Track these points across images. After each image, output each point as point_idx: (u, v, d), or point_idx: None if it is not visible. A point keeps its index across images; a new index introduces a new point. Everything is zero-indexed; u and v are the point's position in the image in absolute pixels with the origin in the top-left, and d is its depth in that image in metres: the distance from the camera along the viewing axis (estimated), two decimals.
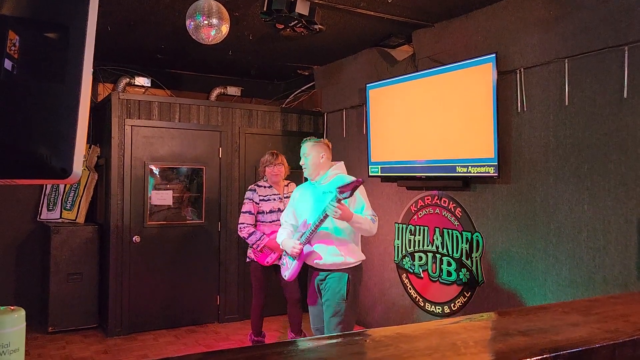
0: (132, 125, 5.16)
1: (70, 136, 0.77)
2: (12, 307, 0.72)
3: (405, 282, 4.81)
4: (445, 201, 4.40)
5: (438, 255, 4.44)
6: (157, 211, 5.32)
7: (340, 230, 3.25)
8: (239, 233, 4.28)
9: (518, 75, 3.76)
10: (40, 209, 5.61)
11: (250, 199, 4.26)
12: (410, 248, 4.75)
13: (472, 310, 4.09)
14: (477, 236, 4.09)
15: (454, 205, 4.31)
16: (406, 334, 1.17)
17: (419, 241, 4.65)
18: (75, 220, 5.50)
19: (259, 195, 4.26)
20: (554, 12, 3.52)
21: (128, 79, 5.74)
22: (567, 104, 3.44)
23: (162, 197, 5.33)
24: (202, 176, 5.51)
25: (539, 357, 0.99)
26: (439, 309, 4.45)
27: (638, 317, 1.30)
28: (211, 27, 3.38)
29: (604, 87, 3.24)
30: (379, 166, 4.95)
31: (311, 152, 3.38)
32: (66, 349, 4.65)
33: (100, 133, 5.56)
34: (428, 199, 4.58)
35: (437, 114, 4.32)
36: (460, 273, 4.23)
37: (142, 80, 5.81)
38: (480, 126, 3.92)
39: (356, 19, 4.24)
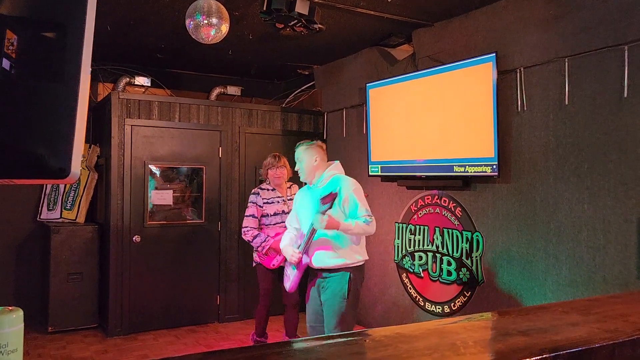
0: (132, 125, 5.16)
1: (68, 136, 0.77)
2: (10, 308, 0.72)
3: (405, 281, 4.81)
4: (445, 201, 4.40)
5: (438, 255, 4.44)
6: (157, 211, 5.32)
7: (338, 235, 3.23)
8: (243, 237, 4.27)
9: (518, 74, 3.76)
10: (40, 208, 5.61)
11: (254, 203, 4.25)
12: (410, 247, 4.75)
13: (472, 310, 4.09)
14: (477, 236, 4.09)
15: (454, 204, 4.31)
16: (405, 333, 1.17)
17: (419, 241, 4.65)
18: (75, 220, 5.50)
19: (263, 199, 4.25)
20: (553, 11, 3.52)
21: (128, 79, 5.74)
22: (567, 103, 3.44)
23: (162, 197, 5.33)
24: (202, 176, 5.51)
25: (538, 357, 0.99)
26: (439, 308, 4.45)
27: (638, 316, 1.30)
28: (211, 26, 3.38)
29: (604, 87, 3.24)
30: (379, 166, 4.95)
31: (304, 157, 3.38)
32: (66, 349, 4.65)
33: (100, 133, 5.56)
34: (428, 198, 4.58)
35: (437, 113, 4.32)
36: (460, 272, 4.23)
37: (142, 80, 5.81)
38: (480, 126, 3.92)
39: (356, 18, 4.24)
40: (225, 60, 5.62)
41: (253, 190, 4.38)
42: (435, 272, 4.47)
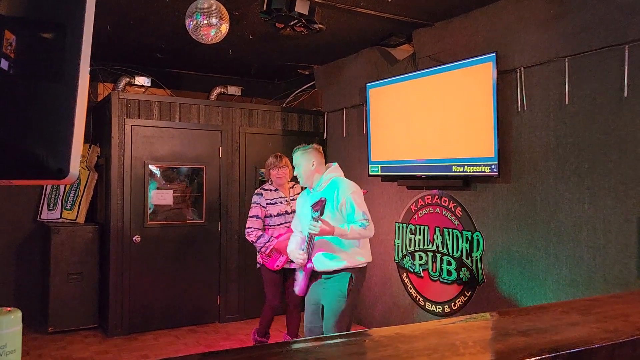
0: (132, 125, 5.16)
1: (67, 136, 0.77)
2: (8, 309, 0.72)
3: (405, 281, 4.81)
4: (445, 200, 4.40)
5: (438, 255, 4.44)
6: (157, 211, 5.32)
7: (339, 237, 3.23)
8: (247, 237, 4.26)
9: (518, 74, 3.75)
10: (40, 208, 5.61)
11: (257, 203, 4.25)
12: (410, 247, 4.75)
13: (473, 310, 4.08)
14: (477, 235, 4.09)
15: (454, 204, 4.30)
16: (405, 334, 1.17)
17: (419, 240, 4.65)
18: (75, 220, 5.50)
19: (266, 199, 4.24)
20: (554, 11, 3.52)
21: (128, 79, 5.74)
22: (567, 103, 3.44)
23: (163, 197, 5.33)
24: (203, 176, 5.51)
25: (538, 358, 0.98)
26: (439, 308, 4.44)
27: (638, 316, 1.30)
28: (211, 26, 3.38)
29: (604, 86, 3.24)
30: (379, 165, 4.95)
31: (301, 162, 3.39)
32: (66, 349, 4.65)
33: (100, 133, 5.56)
34: (428, 198, 4.58)
35: (438, 113, 4.32)
36: (460, 272, 4.23)
37: (142, 80, 5.81)
38: (481, 126, 3.92)
39: (356, 18, 4.24)
40: (226, 60, 5.62)
41: (256, 191, 4.37)
42: (435, 272, 4.47)
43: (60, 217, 5.54)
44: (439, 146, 4.30)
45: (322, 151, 3.50)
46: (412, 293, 4.72)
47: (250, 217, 4.25)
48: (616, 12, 3.16)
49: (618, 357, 1.08)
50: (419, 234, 4.65)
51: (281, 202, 4.26)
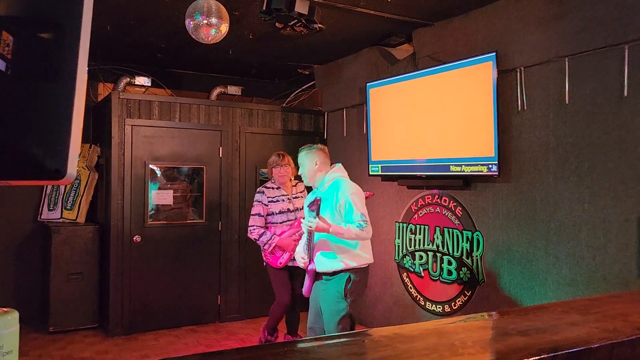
0: (132, 125, 5.16)
1: (65, 137, 0.77)
2: (5, 309, 0.72)
3: (405, 281, 4.81)
4: (445, 200, 4.40)
5: (438, 254, 4.44)
6: (157, 211, 5.32)
7: (339, 238, 3.24)
8: (249, 235, 4.26)
9: (518, 74, 3.75)
10: (40, 209, 5.61)
11: (259, 201, 4.25)
12: (410, 247, 4.75)
13: (473, 309, 4.08)
14: (477, 235, 4.09)
15: (455, 204, 4.30)
16: (404, 334, 1.17)
17: (419, 240, 4.65)
18: (75, 220, 5.51)
19: (268, 197, 4.25)
20: (554, 10, 3.51)
21: (128, 79, 5.74)
22: (567, 102, 3.44)
23: (163, 197, 5.33)
24: (203, 176, 5.51)
25: (537, 357, 0.98)
26: (439, 307, 4.44)
27: (637, 316, 1.30)
28: (210, 26, 3.38)
29: (604, 86, 3.24)
30: (380, 165, 4.94)
31: (305, 161, 3.43)
32: (67, 349, 4.65)
33: (100, 133, 5.56)
34: (428, 198, 4.58)
35: (438, 113, 4.31)
36: (460, 272, 4.22)
37: (143, 80, 5.80)
38: (481, 125, 3.92)
39: (356, 18, 4.23)
40: (226, 60, 5.61)
41: (258, 189, 4.38)
42: (435, 272, 4.47)
43: (61, 217, 5.54)
44: (439, 146, 4.30)
45: (327, 151, 3.52)
46: (413, 293, 4.72)
47: (253, 215, 4.26)
48: (616, 11, 3.15)
49: (617, 357, 1.08)
50: (419, 234, 4.65)
51: (283, 200, 4.26)
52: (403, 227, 4.84)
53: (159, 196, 5.31)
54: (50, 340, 4.88)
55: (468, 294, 4.17)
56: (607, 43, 3.19)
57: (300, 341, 1.05)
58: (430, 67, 4.38)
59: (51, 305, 5.04)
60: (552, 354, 1.00)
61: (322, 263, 3.30)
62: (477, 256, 4.09)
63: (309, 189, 3.62)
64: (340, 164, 3.52)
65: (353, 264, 3.25)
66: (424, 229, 4.60)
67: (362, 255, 3.30)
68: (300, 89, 6.38)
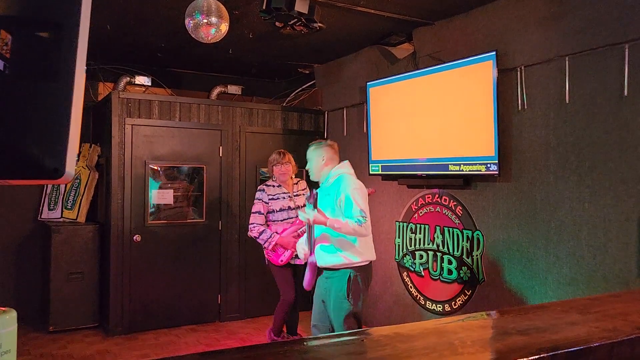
0: (132, 125, 5.16)
1: (63, 136, 0.77)
2: (3, 308, 0.72)
3: (406, 280, 4.81)
4: (446, 199, 4.40)
5: (439, 254, 4.44)
6: (157, 210, 5.32)
7: (340, 234, 3.24)
8: (250, 233, 4.26)
9: (518, 73, 3.75)
10: (41, 208, 5.62)
11: (259, 199, 4.25)
12: (411, 246, 4.75)
13: (473, 309, 4.08)
14: (477, 234, 4.09)
15: (455, 203, 4.30)
16: (404, 333, 1.17)
17: (419, 239, 4.65)
18: (76, 219, 5.51)
19: (268, 195, 4.25)
20: (554, 9, 3.51)
21: (128, 78, 5.73)
22: (567, 102, 3.43)
23: (163, 196, 5.33)
24: (203, 175, 5.51)
25: (536, 357, 0.98)
26: (439, 307, 4.44)
27: (637, 315, 1.30)
28: (210, 25, 3.37)
29: (605, 85, 3.23)
30: (380, 164, 4.94)
31: (312, 156, 3.46)
32: (67, 349, 4.65)
33: (100, 132, 5.56)
34: (429, 197, 4.58)
35: (438, 112, 4.31)
36: (460, 271, 4.22)
37: (143, 79, 5.80)
38: (481, 124, 3.91)
39: (356, 17, 4.23)
40: (226, 59, 5.61)
41: (259, 187, 4.39)
42: (435, 271, 4.46)
43: (61, 217, 5.55)
44: (440, 145, 4.29)
45: (336, 148, 3.54)
46: (413, 292, 4.72)
47: (253, 213, 4.26)
48: (616, 10, 3.15)
49: (617, 356, 1.08)
50: (420, 233, 4.64)
51: (284, 198, 4.26)
52: (403, 226, 4.84)
53: (159, 196, 5.31)
54: (50, 339, 4.89)
55: (468, 294, 4.17)
56: (608, 42, 3.19)
57: (299, 340, 1.04)
58: (430, 67, 4.38)
59: (51, 305, 5.05)
60: (551, 353, 1.00)
61: (322, 257, 3.32)
62: (477, 255, 4.09)
63: (315, 185, 3.63)
64: (348, 161, 3.54)
65: (353, 259, 3.25)
66: (424, 228, 4.60)
67: (362, 252, 3.30)
68: (300, 88, 6.38)
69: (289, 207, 4.24)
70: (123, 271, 5.10)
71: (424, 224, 4.61)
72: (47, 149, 0.76)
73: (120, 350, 4.63)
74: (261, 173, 5.74)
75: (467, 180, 4.13)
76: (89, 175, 5.58)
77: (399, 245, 4.90)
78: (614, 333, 1.13)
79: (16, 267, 5.56)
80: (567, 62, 3.42)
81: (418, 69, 4.53)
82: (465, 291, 4.19)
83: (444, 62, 4.25)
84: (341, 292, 3.24)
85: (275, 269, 4.25)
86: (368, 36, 4.83)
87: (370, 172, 5.04)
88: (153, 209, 5.28)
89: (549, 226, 3.56)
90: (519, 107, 3.75)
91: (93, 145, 5.66)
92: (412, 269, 4.72)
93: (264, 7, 3.55)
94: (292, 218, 4.22)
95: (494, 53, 3.77)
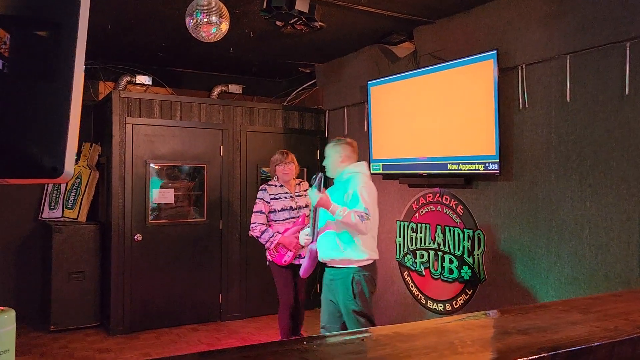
0: (133, 124, 5.16)
1: (61, 135, 0.77)
2: (1, 308, 0.72)
3: (407, 279, 4.81)
4: (447, 199, 4.39)
5: (440, 253, 4.43)
6: (158, 209, 5.32)
7: (343, 230, 3.24)
8: (251, 233, 4.25)
9: (519, 71, 3.74)
10: (42, 207, 5.62)
11: (261, 199, 4.25)
12: (411, 246, 4.74)
13: (474, 308, 4.08)
14: (478, 234, 4.08)
15: (456, 202, 4.30)
16: (404, 332, 1.16)
17: (420, 239, 4.64)
18: (76, 219, 5.51)
19: (270, 194, 4.24)
20: (555, 8, 3.50)
21: (129, 77, 5.73)
22: (568, 100, 3.43)
23: (164, 196, 5.33)
24: (204, 174, 5.51)
25: (537, 356, 0.98)
26: (440, 306, 4.44)
27: (638, 315, 1.29)
28: (211, 24, 3.37)
29: (606, 84, 3.23)
30: (381, 164, 4.94)
31: (330, 154, 3.49)
32: (68, 348, 4.66)
33: (101, 131, 5.57)
34: (430, 196, 4.57)
35: (439, 111, 4.30)
36: (462, 271, 4.22)
37: (143, 79, 5.80)
38: (482, 123, 3.91)
39: (357, 16, 4.23)
40: (227, 58, 5.61)
41: (260, 187, 4.37)
42: (436, 270, 4.46)
43: (62, 216, 5.55)
44: (440, 144, 4.29)
45: (355, 146, 3.55)
46: (414, 291, 4.72)
47: (255, 212, 4.25)
48: (618, 9, 3.14)
49: (618, 356, 1.07)
50: (421, 232, 4.64)
51: (285, 198, 4.25)
52: (404, 225, 4.84)
53: (160, 195, 5.31)
54: (51, 338, 4.89)
55: (469, 293, 4.16)
56: (609, 41, 3.18)
57: (299, 340, 1.04)
58: (431, 65, 4.37)
59: (52, 304, 5.05)
60: (552, 353, 1.00)
61: (325, 251, 3.33)
62: (478, 255, 4.08)
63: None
64: (365, 162, 3.57)
65: (355, 257, 3.24)
66: (425, 227, 4.59)
67: (365, 250, 3.28)
68: (301, 88, 6.37)
69: (291, 207, 4.23)
70: (124, 270, 5.10)
71: (425, 223, 4.60)
72: (46, 148, 0.75)
73: (121, 350, 4.63)
74: (262, 172, 5.74)
75: (468, 180, 4.13)
76: (90, 174, 5.58)
77: (399, 244, 4.89)
78: (615, 332, 1.12)
79: (17, 266, 5.57)
80: (568, 60, 3.42)
81: (419, 68, 4.53)
82: (466, 290, 4.19)
83: (445, 61, 4.25)
84: (348, 294, 3.23)
85: (276, 270, 4.23)
86: (369, 35, 4.83)
87: (371, 172, 5.02)
88: (154, 209, 5.29)
89: (550, 225, 3.56)
90: (520, 106, 3.75)
91: (94, 144, 5.67)
92: (413, 268, 4.71)
93: (264, 6, 3.55)
94: (293, 218, 4.21)
95: (495, 52, 3.76)
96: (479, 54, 3.91)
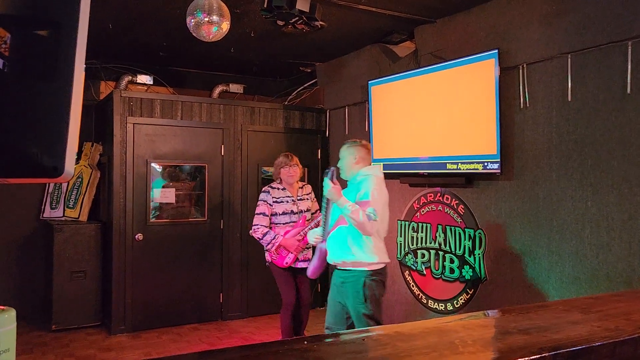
0: (134, 123, 5.16)
1: (62, 134, 0.77)
2: (2, 307, 0.72)
3: (407, 279, 4.80)
4: (448, 198, 4.39)
5: (441, 253, 4.43)
6: (159, 209, 5.32)
7: (355, 232, 3.21)
8: (253, 234, 4.24)
9: (521, 71, 3.74)
10: (43, 207, 5.63)
11: (264, 201, 4.24)
12: (412, 245, 4.74)
13: (475, 308, 4.08)
14: (479, 233, 4.08)
15: (457, 202, 4.29)
16: (404, 332, 1.16)
17: (421, 238, 4.64)
18: (78, 218, 5.52)
19: (273, 197, 4.23)
20: (556, 7, 3.50)
21: (130, 77, 5.74)
22: (570, 99, 3.42)
23: (165, 195, 5.34)
24: (205, 174, 5.52)
25: (537, 356, 0.98)
26: (441, 306, 4.44)
27: (639, 314, 1.29)
28: (212, 24, 3.37)
29: (607, 83, 3.22)
30: (382, 163, 4.93)
31: (344, 155, 3.47)
32: (70, 347, 4.67)
33: (102, 131, 5.57)
34: (431, 196, 4.57)
35: (440, 110, 4.30)
36: (463, 270, 4.22)
37: (144, 78, 5.80)
38: (483, 123, 3.90)
39: (358, 15, 4.22)
40: (227, 58, 5.61)
41: (264, 189, 4.36)
42: (437, 270, 4.46)
43: (63, 216, 5.56)
44: (441, 144, 4.29)
45: (369, 148, 3.54)
46: (415, 291, 4.72)
47: (257, 214, 4.24)
48: (619, 7, 3.14)
49: (619, 356, 1.07)
50: (422, 232, 4.64)
51: (287, 201, 4.24)
52: (405, 225, 4.84)
53: (161, 194, 5.31)
54: (53, 338, 4.90)
55: (470, 292, 4.16)
56: (610, 40, 3.18)
57: (300, 339, 1.04)
58: (432, 65, 4.37)
59: (54, 304, 5.06)
60: (553, 353, 1.00)
61: (335, 253, 3.31)
62: (479, 254, 4.08)
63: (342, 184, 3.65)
64: (381, 165, 3.54)
65: (366, 260, 3.22)
66: (426, 227, 4.59)
67: (376, 253, 3.26)
68: (302, 87, 6.37)
69: (292, 211, 4.22)
70: (125, 270, 5.11)
71: (426, 223, 4.60)
72: (46, 147, 0.76)
73: (122, 349, 4.64)
74: (263, 172, 5.74)
75: (468, 179, 4.12)
76: (91, 174, 5.59)
77: (400, 243, 4.89)
78: (616, 332, 1.12)
79: (18, 266, 5.57)
80: (569, 59, 3.41)
81: (420, 67, 4.52)
82: (467, 290, 4.19)
83: (446, 61, 4.24)
84: (359, 297, 3.22)
85: (276, 270, 4.23)
86: (370, 34, 4.82)
87: None
88: (155, 208, 5.29)
89: (551, 225, 3.55)
90: (521, 105, 3.74)
91: (95, 144, 5.67)
92: (414, 268, 4.71)
93: (265, 6, 3.55)
94: (294, 222, 4.20)
95: (496, 51, 3.76)
96: (480, 53, 3.91)
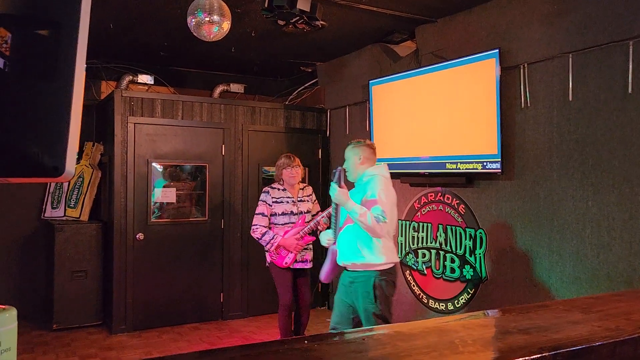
0: (135, 123, 5.17)
1: (63, 134, 0.77)
2: (3, 306, 0.72)
3: (408, 278, 4.80)
4: (448, 198, 4.39)
5: (441, 252, 4.43)
6: (160, 209, 5.33)
7: (364, 234, 3.20)
8: (252, 234, 4.24)
9: (522, 70, 3.73)
10: (44, 207, 5.63)
11: (263, 201, 4.25)
12: (413, 245, 4.74)
13: (476, 307, 4.08)
14: (480, 233, 4.08)
15: (458, 201, 4.29)
16: (405, 332, 1.16)
17: (422, 238, 4.64)
18: (79, 218, 5.52)
19: (272, 197, 4.23)
20: (557, 6, 3.49)
21: (131, 77, 5.74)
22: (571, 99, 3.42)
23: (166, 195, 5.34)
24: (206, 173, 5.52)
25: (537, 356, 0.98)
26: (442, 305, 4.44)
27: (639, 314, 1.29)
28: (212, 24, 3.37)
29: (609, 82, 3.22)
30: (382, 163, 4.93)
31: (349, 156, 3.45)
32: (71, 346, 4.67)
33: (103, 131, 5.57)
34: (431, 195, 4.57)
35: (441, 110, 4.30)
36: (463, 270, 4.22)
37: (145, 78, 5.81)
38: (484, 122, 3.90)
39: (359, 14, 4.22)
40: (228, 57, 5.61)
41: (264, 189, 4.37)
42: (438, 270, 4.46)
43: (64, 215, 5.56)
44: (442, 143, 4.29)
45: (374, 148, 3.51)
46: (415, 290, 4.72)
47: (256, 214, 4.25)
48: (620, 7, 3.13)
49: (619, 356, 1.07)
50: (422, 232, 4.64)
51: (287, 202, 4.24)
52: (406, 224, 4.84)
53: (162, 194, 5.32)
54: (54, 337, 4.91)
55: (471, 292, 4.16)
56: (612, 39, 3.18)
57: (300, 339, 1.04)
58: (433, 64, 4.37)
59: (55, 303, 5.07)
60: (553, 353, 0.99)
61: (344, 254, 3.30)
62: (480, 254, 4.08)
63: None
64: (386, 165, 3.52)
65: (376, 261, 3.22)
66: (427, 226, 4.59)
67: (385, 254, 3.24)
68: (302, 87, 6.37)
69: (292, 212, 4.22)
70: (126, 269, 5.11)
71: (427, 223, 4.60)
72: (47, 147, 0.76)
73: (123, 348, 4.64)
74: (264, 172, 5.74)
75: (469, 179, 4.12)
76: (92, 173, 5.59)
77: (401, 243, 4.89)
78: (617, 332, 1.12)
79: (20, 265, 5.58)
80: (570, 59, 3.41)
81: (421, 67, 4.52)
82: (468, 290, 4.19)
83: (447, 60, 4.24)
84: (369, 297, 3.20)
85: (275, 271, 4.23)
86: (370, 34, 4.82)
87: None
88: (156, 208, 5.29)
89: (552, 224, 3.55)
90: (522, 105, 3.74)
91: (96, 143, 5.67)
92: (415, 267, 4.71)
93: (266, 5, 3.55)
94: (293, 223, 4.21)
95: (497, 51, 3.76)
96: (480, 52, 3.91)
